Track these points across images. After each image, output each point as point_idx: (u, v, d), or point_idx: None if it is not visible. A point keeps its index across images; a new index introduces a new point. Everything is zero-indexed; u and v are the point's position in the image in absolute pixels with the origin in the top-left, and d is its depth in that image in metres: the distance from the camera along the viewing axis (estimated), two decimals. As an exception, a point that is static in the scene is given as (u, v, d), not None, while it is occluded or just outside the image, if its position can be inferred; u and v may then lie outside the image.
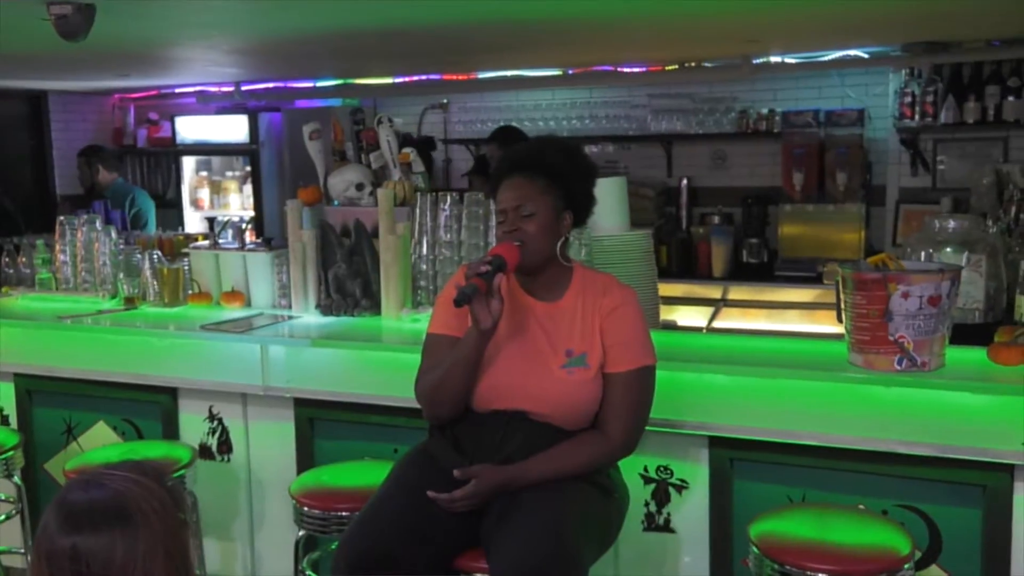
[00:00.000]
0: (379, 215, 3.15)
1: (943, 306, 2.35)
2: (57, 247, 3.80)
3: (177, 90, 6.82)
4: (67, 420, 3.52)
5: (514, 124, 5.76)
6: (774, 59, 5.26)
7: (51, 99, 6.72)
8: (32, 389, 3.56)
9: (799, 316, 5.10)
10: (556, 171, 2.23)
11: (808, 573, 2.01)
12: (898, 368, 2.36)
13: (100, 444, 3.35)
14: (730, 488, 2.61)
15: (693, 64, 5.49)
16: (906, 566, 2.04)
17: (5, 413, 3.63)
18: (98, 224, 3.75)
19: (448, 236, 3.10)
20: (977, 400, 2.32)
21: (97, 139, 6.71)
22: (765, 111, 5.57)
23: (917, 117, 5.05)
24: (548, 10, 3.36)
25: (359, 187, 3.31)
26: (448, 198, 3.11)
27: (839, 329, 2.53)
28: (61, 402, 3.52)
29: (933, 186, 5.23)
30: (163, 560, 1.29)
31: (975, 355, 2.49)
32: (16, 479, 3.15)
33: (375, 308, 3.19)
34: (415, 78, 6.15)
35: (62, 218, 3.85)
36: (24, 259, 3.90)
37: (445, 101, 6.54)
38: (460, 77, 6.07)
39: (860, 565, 2.03)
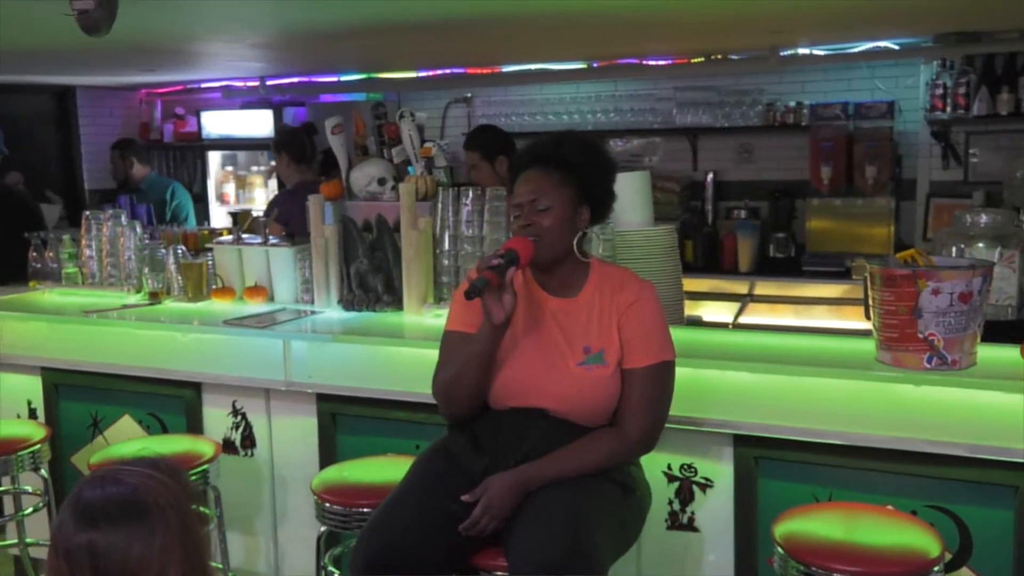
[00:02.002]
0: (401, 210, 3.14)
1: (974, 303, 2.30)
2: (83, 242, 3.83)
3: (203, 85, 6.86)
4: (93, 414, 3.55)
5: (491, 123, 5.66)
6: (802, 51, 5.19)
7: (79, 94, 6.77)
8: (59, 383, 3.59)
9: (826, 312, 5.04)
10: (573, 164, 2.20)
11: (834, 574, 1.98)
12: (928, 366, 2.31)
13: (125, 438, 3.37)
14: (755, 487, 2.57)
15: (719, 56, 5.43)
16: (936, 568, 2.00)
17: (32, 406, 3.67)
18: (123, 219, 3.77)
19: (470, 231, 3.08)
20: (1009, 399, 2.27)
21: (125, 134, 6.75)
22: (793, 104, 5.50)
23: (949, 109, 4.95)
24: (573, 2, 3.33)
25: (381, 182, 3.30)
26: (470, 193, 3.09)
27: (867, 325, 2.48)
28: (87, 396, 3.55)
29: (965, 179, 5.14)
30: (180, 554, 1.29)
31: (1007, 353, 2.44)
32: (43, 472, 3.18)
33: (397, 303, 3.18)
34: (439, 72, 6.13)
35: (87, 213, 3.87)
36: (51, 253, 3.93)
37: (469, 95, 6.51)
38: (484, 71, 6.05)
39: (888, 567, 1.99)
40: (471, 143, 4.33)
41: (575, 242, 2.22)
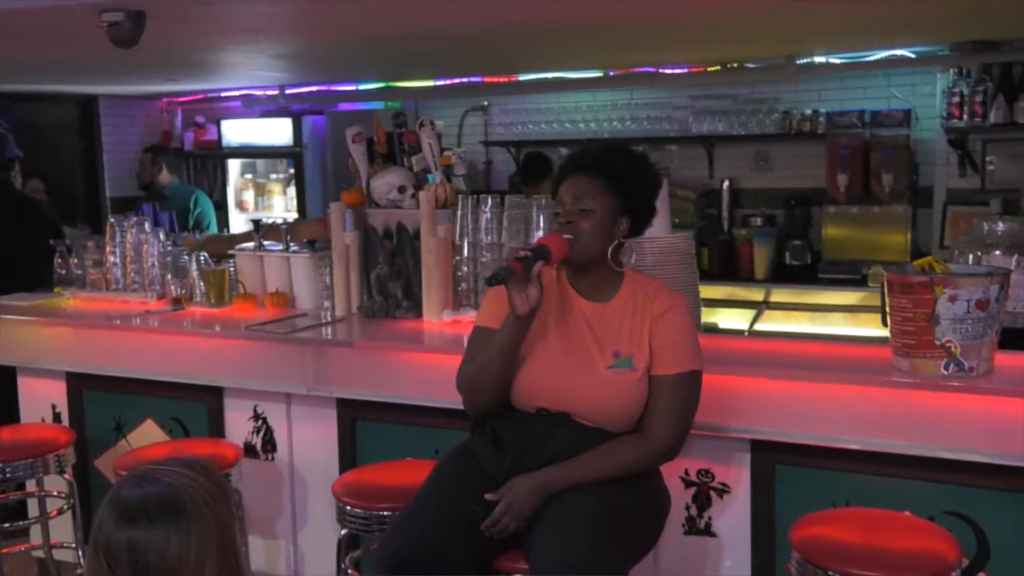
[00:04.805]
0: (421, 217, 3.18)
1: (992, 310, 2.31)
2: (107, 248, 3.88)
3: (223, 94, 6.93)
4: (117, 418, 3.60)
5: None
6: (818, 60, 5.20)
7: (101, 103, 6.86)
8: (83, 387, 3.64)
9: (843, 319, 5.04)
10: (619, 175, 2.25)
11: (851, 579, 1.99)
12: (945, 373, 2.33)
13: (148, 442, 3.42)
14: (772, 493, 2.59)
15: (735, 65, 5.45)
16: (953, 574, 2.01)
17: (57, 410, 3.72)
18: (147, 226, 3.82)
19: (489, 238, 3.11)
20: (1027, 406, 2.28)
21: (146, 142, 6.83)
22: (809, 112, 5.51)
23: (966, 117, 4.95)
24: (590, 12, 3.37)
25: (401, 189, 3.34)
26: (489, 200, 3.12)
27: (884, 333, 2.50)
28: (111, 400, 3.59)
29: (982, 187, 5.13)
30: (215, 551, 1.33)
31: (1025, 360, 2.45)
32: (68, 475, 3.22)
33: (416, 310, 3.22)
34: (456, 81, 6.18)
35: (112, 219, 3.92)
36: (76, 260, 3.99)
37: (486, 103, 6.56)
38: (501, 79, 6.09)
39: (905, 572, 2.00)
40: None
41: (610, 250, 2.25)
